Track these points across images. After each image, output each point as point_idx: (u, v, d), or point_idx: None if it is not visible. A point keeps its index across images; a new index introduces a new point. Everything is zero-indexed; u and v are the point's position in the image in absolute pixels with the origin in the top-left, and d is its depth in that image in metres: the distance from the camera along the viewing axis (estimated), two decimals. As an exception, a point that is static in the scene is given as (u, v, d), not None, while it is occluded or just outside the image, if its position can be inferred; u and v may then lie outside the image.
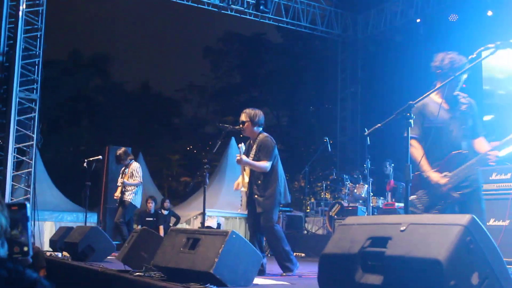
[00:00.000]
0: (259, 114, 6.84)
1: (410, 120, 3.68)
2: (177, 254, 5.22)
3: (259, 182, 6.68)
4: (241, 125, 6.82)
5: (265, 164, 6.59)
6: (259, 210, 6.63)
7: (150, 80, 35.70)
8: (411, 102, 3.70)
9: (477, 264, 2.88)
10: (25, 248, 1.84)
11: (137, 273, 5.62)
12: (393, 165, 11.28)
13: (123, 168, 10.76)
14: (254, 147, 6.76)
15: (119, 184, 10.56)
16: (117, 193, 10.51)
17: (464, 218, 2.92)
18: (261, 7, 13.07)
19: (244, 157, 6.66)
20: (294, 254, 8.87)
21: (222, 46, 32.75)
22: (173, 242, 5.43)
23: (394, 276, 2.94)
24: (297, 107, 26.93)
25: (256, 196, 6.68)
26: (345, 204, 10.91)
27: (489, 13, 11.26)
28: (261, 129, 6.87)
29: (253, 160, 6.69)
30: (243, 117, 6.83)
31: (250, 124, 6.78)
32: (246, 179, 6.86)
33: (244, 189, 6.84)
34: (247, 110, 6.88)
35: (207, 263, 4.83)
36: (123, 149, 10.78)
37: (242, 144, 6.88)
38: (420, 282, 2.84)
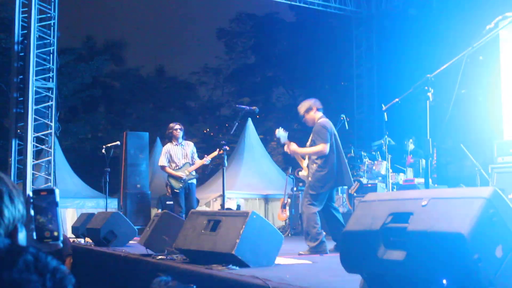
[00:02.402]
0: (308, 103, 7.14)
1: (428, 94, 3.64)
2: (198, 237, 5.26)
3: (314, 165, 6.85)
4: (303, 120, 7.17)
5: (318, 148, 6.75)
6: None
7: (164, 64, 35.77)
8: (428, 75, 3.66)
9: (501, 237, 2.85)
10: (55, 233, 1.86)
11: (160, 257, 5.67)
12: (413, 141, 11.20)
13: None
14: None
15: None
16: None
17: (486, 191, 2.88)
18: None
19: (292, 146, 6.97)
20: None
21: (235, 27, 32.61)
22: (194, 224, 5.46)
23: (417, 251, 2.92)
24: (312, 85, 26.77)
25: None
26: (364, 182, 10.87)
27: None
28: (320, 112, 7.07)
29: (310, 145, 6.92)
30: (300, 113, 7.17)
31: (306, 114, 7.06)
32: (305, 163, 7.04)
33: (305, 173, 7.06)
34: (300, 104, 7.25)
35: (228, 244, 4.86)
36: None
37: (280, 129, 7.05)
38: (443, 257, 2.81)
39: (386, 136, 9.91)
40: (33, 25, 11.73)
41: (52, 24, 12.24)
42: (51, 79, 12.14)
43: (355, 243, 3.23)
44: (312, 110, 7.01)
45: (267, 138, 25.10)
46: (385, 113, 5.07)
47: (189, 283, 4.57)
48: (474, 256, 2.73)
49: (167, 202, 12.95)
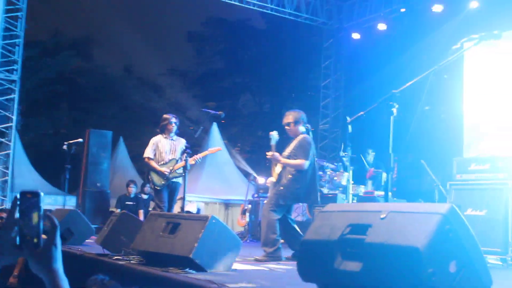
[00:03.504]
0: (299, 114, 7.12)
1: (392, 109, 3.69)
2: (156, 239, 5.22)
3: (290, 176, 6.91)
4: (286, 127, 7.13)
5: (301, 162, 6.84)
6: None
7: (132, 64, 35.40)
8: (394, 90, 3.71)
9: (455, 253, 2.91)
10: (35, 240, 1.77)
11: (116, 257, 5.60)
12: (374, 153, 11.34)
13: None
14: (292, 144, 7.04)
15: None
16: None
17: (443, 207, 2.94)
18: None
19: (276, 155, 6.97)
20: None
21: (206, 31, 32.56)
22: (152, 226, 5.42)
23: (373, 263, 2.95)
24: (279, 93, 26.92)
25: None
26: (325, 192, 10.95)
27: (474, 4, 11.28)
28: (303, 129, 7.11)
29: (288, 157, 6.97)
30: (287, 119, 7.12)
31: (293, 125, 7.06)
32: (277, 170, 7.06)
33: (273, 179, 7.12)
34: (291, 112, 7.18)
35: (186, 247, 4.83)
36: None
37: (275, 132, 7.08)
38: (398, 270, 2.85)
39: (349, 148, 9.99)
40: (0, 16, 11.52)
41: (20, 16, 12.04)
42: (15, 72, 11.94)
43: (312, 253, 3.25)
44: (299, 123, 7.11)
45: (231, 143, 25.10)
46: (349, 125, 5.13)
47: (142, 286, 4.54)
48: (429, 270, 2.78)
49: (127, 203, 12.83)
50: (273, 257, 6.55)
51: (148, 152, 8.60)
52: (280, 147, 7.13)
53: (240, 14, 28.88)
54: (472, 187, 7.76)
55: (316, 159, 7.20)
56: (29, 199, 1.78)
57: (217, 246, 4.98)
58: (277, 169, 7.11)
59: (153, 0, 35.80)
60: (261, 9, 14.12)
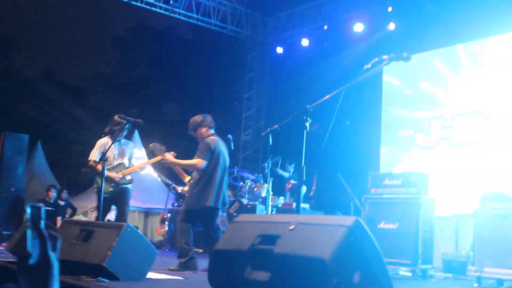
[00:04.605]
0: (199, 118, 7.11)
1: (306, 123, 3.80)
2: (69, 246, 5.13)
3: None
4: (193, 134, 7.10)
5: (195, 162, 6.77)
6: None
7: (53, 68, 34.51)
8: (308, 105, 3.83)
9: (359, 264, 3.03)
10: (27, 253, 1.73)
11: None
12: (293, 165, 11.53)
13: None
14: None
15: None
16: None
17: (349, 220, 3.06)
18: (171, 1, 12.99)
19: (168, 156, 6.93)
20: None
21: (132, 37, 32.23)
22: (66, 233, 5.33)
23: (281, 274, 3.03)
24: (203, 103, 26.91)
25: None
26: (245, 202, 11.04)
27: (391, 26, 11.72)
28: (211, 130, 7.06)
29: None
30: (189, 128, 7.13)
31: (194, 132, 7.05)
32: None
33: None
34: (191, 120, 7.16)
35: (99, 256, 4.78)
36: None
37: (152, 144, 7.03)
38: (305, 280, 2.95)
39: (269, 160, 10.13)
40: None
41: None
42: None
43: (223, 262, 3.30)
44: (202, 127, 7.02)
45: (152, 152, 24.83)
46: (270, 137, 5.22)
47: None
48: (334, 280, 2.89)
49: (46, 208, 12.46)
50: (186, 267, 6.51)
51: (93, 155, 7.72)
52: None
53: (167, 22, 28.77)
54: (385, 201, 8.05)
55: (226, 163, 7.03)
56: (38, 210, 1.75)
57: (131, 254, 4.95)
58: (187, 178, 7.12)
59: (77, 3, 35.02)
60: (186, 19, 14.12)
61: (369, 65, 4.14)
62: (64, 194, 13.47)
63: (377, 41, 11.85)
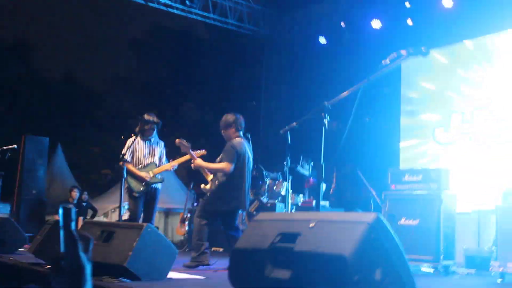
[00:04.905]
0: (230, 118, 7.15)
1: (324, 120, 3.78)
2: (90, 247, 5.15)
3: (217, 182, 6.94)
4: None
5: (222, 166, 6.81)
6: None
7: (74, 71, 34.81)
8: (325, 102, 3.80)
9: (380, 261, 3.00)
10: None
11: (49, 266, 5.51)
12: (311, 163, 11.50)
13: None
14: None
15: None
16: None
17: (369, 216, 3.04)
18: (187, 1, 13.02)
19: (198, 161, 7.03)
20: (213, 248, 9.00)
21: (149, 39, 32.35)
22: (87, 234, 5.36)
23: (302, 271, 3.02)
24: (222, 103, 26.94)
25: None
26: (264, 201, 11.03)
27: (409, 21, 11.63)
28: (238, 133, 7.10)
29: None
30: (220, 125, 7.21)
31: (223, 130, 7.13)
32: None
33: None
34: (223, 117, 7.24)
35: (120, 256, 4.80)
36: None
37: (178, 140, 7.06)
38: (326, 277, 2.93)
39: (288, 158, 10.09)
40: None
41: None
42: None
43: (243, 261, 3.30)
44: (231, 127, 7.08)
45: (172, 151, 24.93)
46: (289, 135, 5.20)
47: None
48: (355, 277, 2.86)
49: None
50: (198, 261, 6.59)
51: (126, 154, 7.53)
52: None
53: (184, 23, 28.87)
54: (406, 197, 7.99)
55: (250, 165, 7.12)
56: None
57: (152, 254, 4.96)
58: (210, 176, 7.15)
59: (96, 7, 35.29)
60: (203, 19, 14.14)
61: (387, 61, 4.10)
62: (85, 196, 13.58)
63: (395, 36, 11.75)
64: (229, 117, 7.17)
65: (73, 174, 19.41)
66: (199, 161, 7.02)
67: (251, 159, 7.15)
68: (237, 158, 6.84)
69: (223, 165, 6.79)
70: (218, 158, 7.02)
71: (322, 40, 13.68)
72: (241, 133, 7.15)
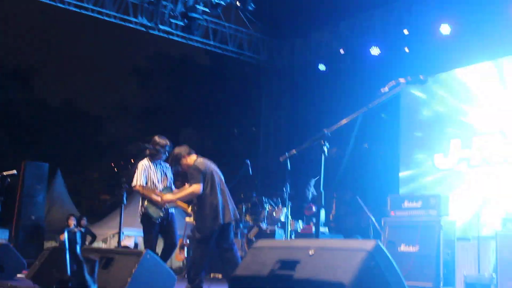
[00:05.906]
0: (176, 152, 7.07)
1: (323, 148, 3.79)
2: (89, 274, 5.14)
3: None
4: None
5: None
6: None
7: (75, 97, 35.02)
8: (325, 130, 3.82)
9: (379, 288, 3.01)
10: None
11: (50, 292, 5.48)
12: (312, 186, 11.48)
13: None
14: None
15: None
16: None
17: (369, 244, 3.04)
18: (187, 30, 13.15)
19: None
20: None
21: (150, 66, 32.56)
22: (86, 261, 5.35)
23: (302, 299, 3.01)
24: (221, 129, 27.04)
25: None
26: (264, 227, 11.00)
27: (406, 49, 11.74)
28: (192, 155, 7.00)
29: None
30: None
31: (177, 163, 7.02)
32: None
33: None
34: (170, 156, 7.13)
35: (119, 282, 4.79)
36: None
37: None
38: (325, 305, 2.92)
39: (287, 184, 10.08)
40: None
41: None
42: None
43: (243, 288, 3.29)
44: (183, 158, 6.96)
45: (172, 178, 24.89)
46: (288, 162, 5.21)
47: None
48: (354, 305, 2.86)
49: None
50: None
51: (139, 180, 7.27)
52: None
53: (184, 50, 29.10)
54: (405, 224, 7.98)
55: (221, 175, 7.00)
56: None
57: (151, 281, 4.95)
58: (189, 208, 7.13)
59: (97, 33, 35.58)
60: (203, 46, 14.24)
61: (386, 89, 4.13)
62: (84, 221, 13.53)
63: (393, 63, 11.83)
64: (172, 154, 7.09)
65: (72, 199, 19.38)
66: (167, 197, 6.95)
67: (219, 173, 6.99)
68: (203, 176, 6.73)
69: (191, 188, 6.70)
70: (187, 185, 6.95)
71: (322, 67, 13.77)
72: (194, 153, 7.02)
